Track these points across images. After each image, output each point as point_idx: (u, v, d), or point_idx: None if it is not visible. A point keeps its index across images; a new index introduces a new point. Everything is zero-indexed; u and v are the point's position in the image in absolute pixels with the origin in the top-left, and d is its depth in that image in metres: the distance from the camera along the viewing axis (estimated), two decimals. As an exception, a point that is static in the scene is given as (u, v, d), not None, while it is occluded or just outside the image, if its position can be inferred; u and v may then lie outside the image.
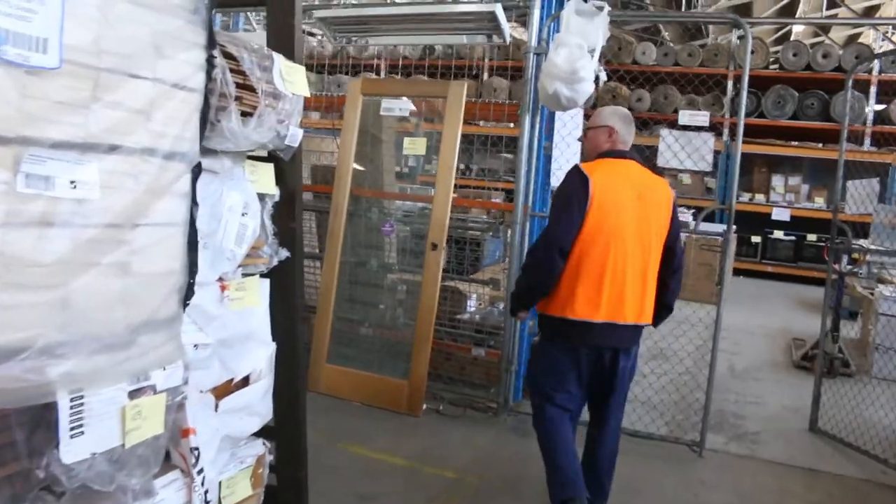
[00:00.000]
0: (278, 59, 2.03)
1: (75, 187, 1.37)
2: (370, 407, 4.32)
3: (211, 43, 1.70)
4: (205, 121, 1.71)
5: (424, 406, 4.32)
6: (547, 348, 2.95)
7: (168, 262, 1.63)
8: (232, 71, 1.83)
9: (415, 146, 4.46)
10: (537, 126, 4.34)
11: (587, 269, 2.77)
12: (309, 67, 2.86)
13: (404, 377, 4.29)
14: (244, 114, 1.89)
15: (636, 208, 2.81)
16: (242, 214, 2.05)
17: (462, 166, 11.31)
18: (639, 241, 2.80)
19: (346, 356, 4.58)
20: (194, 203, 1.72)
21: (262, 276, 2.31)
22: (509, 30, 4.10)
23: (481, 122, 7.27)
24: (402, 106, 4.47)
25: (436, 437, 3.99)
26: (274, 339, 2.41)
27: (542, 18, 4.23)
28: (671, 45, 11.58)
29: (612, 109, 3.06)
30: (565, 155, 4.74)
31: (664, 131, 3.69)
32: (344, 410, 4.27)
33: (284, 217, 2.28)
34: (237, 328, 2.09)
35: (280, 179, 2.26)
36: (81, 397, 1.40)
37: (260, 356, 2.19)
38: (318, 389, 4.47)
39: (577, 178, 2.81)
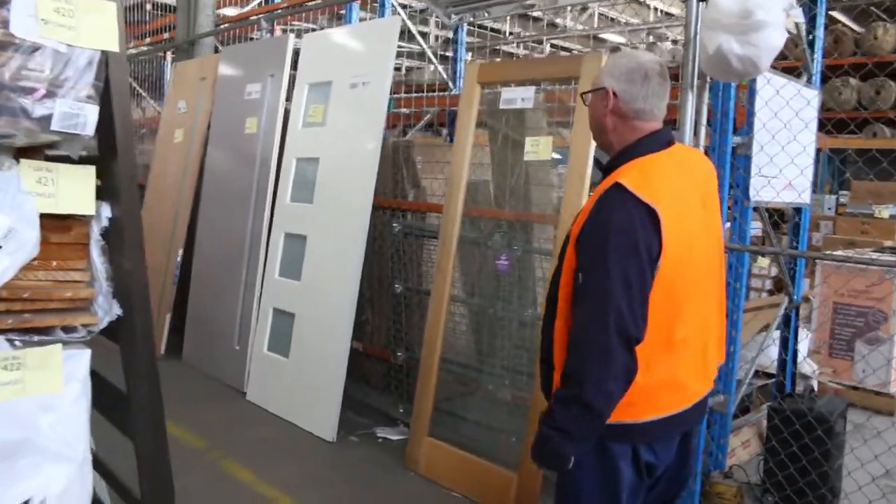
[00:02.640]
0: (30, -13, 1.29)
1: None
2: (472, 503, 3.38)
3: None
4: None
5: (544, 508, 3.26)
6: (603, 465, 1.81)
7: None
8: None
9: (538, 149, 3.47)
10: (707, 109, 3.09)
11: (666, 346, 1.79)
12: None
13: (514, 467, 3.27)
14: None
15: (704, 225, 1.90)
16: (-7, 248, 1.33)
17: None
18: (712, 266, 1.95)
19: (454, 428, 3.70)
20: None
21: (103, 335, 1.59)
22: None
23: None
24: (525, 95, 3.53)
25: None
26: (136, 441, 1.67)
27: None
28: None
29: (618, 58, 1.94)
30: (777, 157, 3.39)
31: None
32: (438, 506, 3.38)
33: (116, 254, 1.52)
34: (-5, 432, 1.37)
35: (106, 193, 1.51)
36: None
37: (51, 476, 1.44)
38: (418, 470, 3.64)
39: (637, 215, 1.70)
